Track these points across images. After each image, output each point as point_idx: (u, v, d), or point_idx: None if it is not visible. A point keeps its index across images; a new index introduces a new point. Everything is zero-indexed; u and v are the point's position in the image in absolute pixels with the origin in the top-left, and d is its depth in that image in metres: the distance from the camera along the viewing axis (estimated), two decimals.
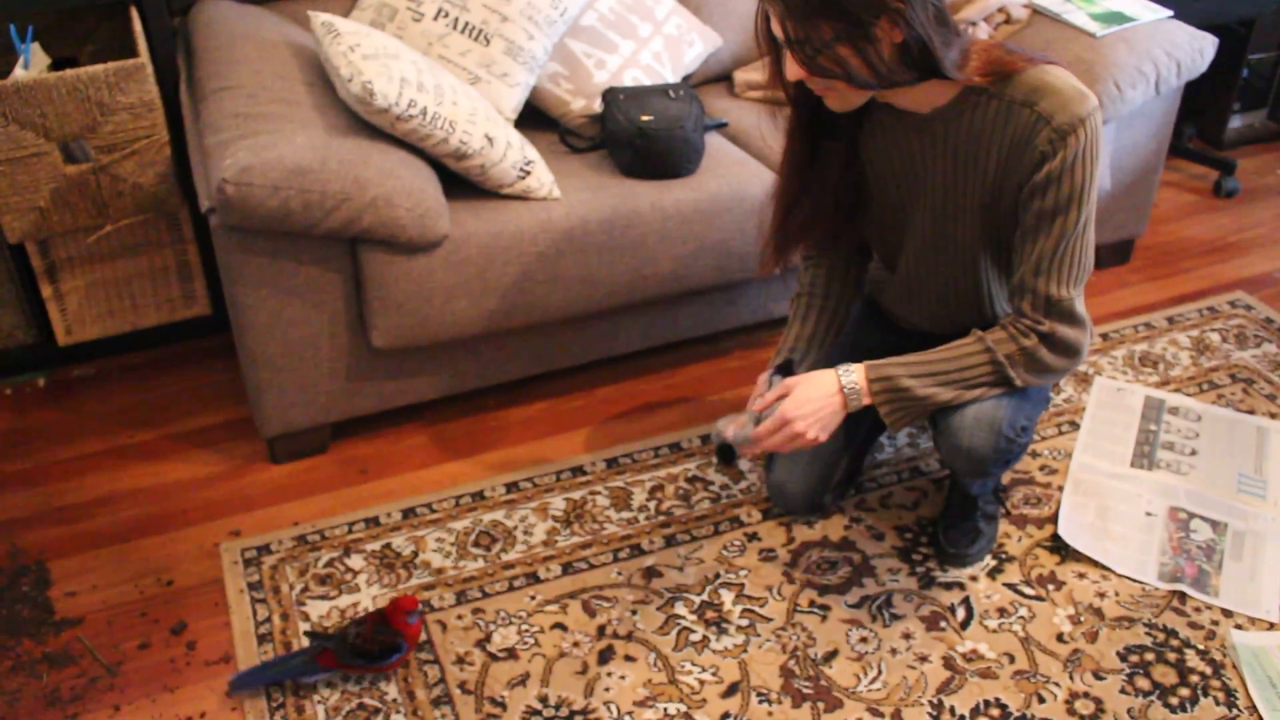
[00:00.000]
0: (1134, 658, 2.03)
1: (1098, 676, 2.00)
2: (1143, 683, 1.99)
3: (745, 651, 2.04)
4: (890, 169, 1.95)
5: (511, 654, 2.02)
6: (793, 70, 1.73)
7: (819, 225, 2.03)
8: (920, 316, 2.12)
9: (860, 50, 1.66)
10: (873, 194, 2.02)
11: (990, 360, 1.87)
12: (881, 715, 1.93)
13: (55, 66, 2.42)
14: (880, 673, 2.00)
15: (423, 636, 2.04)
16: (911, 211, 1.97)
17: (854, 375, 1.88)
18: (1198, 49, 2.75)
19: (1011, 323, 1.88)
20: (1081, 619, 2.10)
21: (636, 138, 2.42)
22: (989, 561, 2.21)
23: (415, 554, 2.22)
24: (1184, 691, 1.98)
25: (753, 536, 2.27)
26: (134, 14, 2.46)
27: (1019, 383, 1.88)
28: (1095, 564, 2.21)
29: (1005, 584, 2.17)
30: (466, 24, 2.48)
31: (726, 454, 2.04)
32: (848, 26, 1.63)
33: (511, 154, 2.31)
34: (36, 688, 1.97)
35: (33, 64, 2.37)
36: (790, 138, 1.96)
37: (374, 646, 1.92)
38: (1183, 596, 2.15)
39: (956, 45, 1.74)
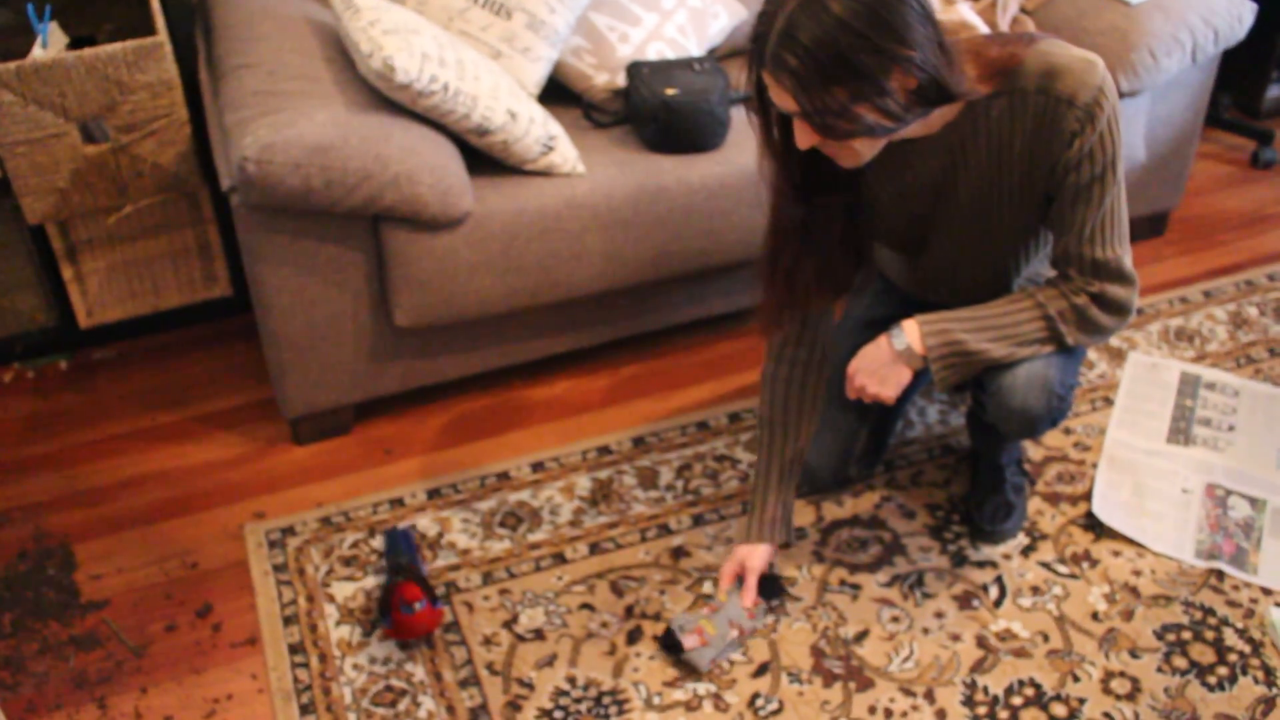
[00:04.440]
0: (1171, 636, 2.00)
1: (1134, 655, 1.97)
2: (1180, 661, 1.96)
3: (775, 631, 2.02)
4: (911, 194, 1.91)
5: (539, 635, 2.01)
6: (806, 139, 1.67)
7: (826, 279, 1.96)
8: (940, 295, 2.09)
9: (878, 105, 1.60)
10: (885, 220, 1.97)
11: (1043, 315, 1.84)
12: (914, 695, 1.91)
13: (73, 45, 2.40)
14: (912, 652, 1.98)
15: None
16: (939, 220, 1.94)
17: (905, 336, 1.85)
18: (1236, 16, 2.69)
19: (1061, 282, 1.85)
20: (1117, 597, 2.07)
21: (661, 111, 2.38)
22: (1022, 539, 2.18)
23: (441, 535, 2.20)
24: (1222, 670, 1.95)
25: None
26: None
27: (1070, 341, 1.85)
28: (1130, 542, 2.18)
29: (1039, 562, 2.14)
30: None
31: (672, 643, 1.98)
32: (862, 86, 1.58)
33: (534, 129, 2.28)
34: (64, 670, 1.97)
35: (51, 43, 2.36)
36: (782, 201, 1.89)
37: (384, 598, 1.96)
38: (1220, 574, 2.11)
39: (957, 63, 1.69)
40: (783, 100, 1.63)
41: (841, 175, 1.85)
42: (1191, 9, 2.66)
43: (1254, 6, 2.74)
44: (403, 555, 2.07)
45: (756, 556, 2.03)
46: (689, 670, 1.95)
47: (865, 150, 1.71)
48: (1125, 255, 1.83)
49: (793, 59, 1.56)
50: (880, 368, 1.87)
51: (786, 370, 2.04)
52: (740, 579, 2.05)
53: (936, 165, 1.85)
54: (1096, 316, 1.84)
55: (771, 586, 2.05)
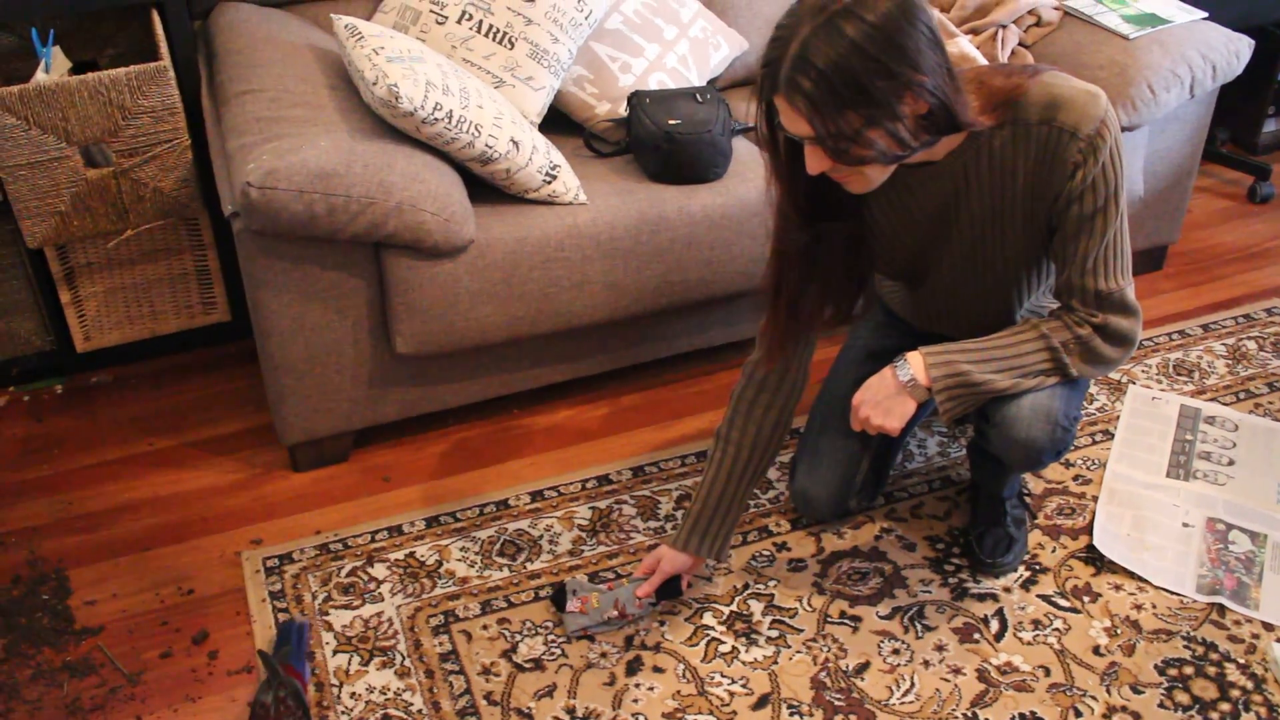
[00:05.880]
0: (1172, 671, 1.99)
1: (1136, 690, 1.96)
2: (1182, 697, 1.95)
3: (775, 663, 2.00)
4: (913, 221, 1.91)
5: (538, 665, 1.99)
6: (818, 164, 1.68)
7: (828, 306, 1.97)
8: (944, 326, 2.10)
9: (889, 130, 1.61)
10: (886, 247, 1.98)
11: (1046, 347, 1.84)
12: None
13: (76, 70, 2.40)
14: (913, 685, 1.97)
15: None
16: (941, 249, 1.94)
17: (910, 367, 1.85)
18: (1233, 51, 2.71)
19: (1065, 313, 1.86)
20: (1118, 631, 2.06)
21: (664, 142, 2.38)
22: (1022, 572, 2.17)
23: (439, 563, 2.18)
24: (1224, 706, 1.94)
25: (782, 546, 2.23)
26: (155, 17, 2.44)
27: (1074, 372, 1.86)
28: (1131, 575, 2.17)
29: (1039, 595, 2.13)
30: (491, 27, 2.45)
31: (560, 599, 2.08)
32: (876, 111, 1.59)
33: (537, 158, 2.28)
34: (57, 697, 1.95)
35: (54, 67, 2.36)
36: (787, 226, 1.88)
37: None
38: (1222, 609, 2.10)
39: (963, 92, 1.70)
40: (795, 125, 1.63)
41: (846, 202, 1.86)
42: (1189, 44, 2.68)
43: (1251, 42, 2.75)
44: (290, 658, 1.95)
45: (670, 560, 2.05)
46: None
47: (875, 176, 1.71)
48: (1128, 286, 1.83)
49: (807, 82, 1.56)
50: (885, 399, 1.87)
51: (753, 392, 2.04)
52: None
53: (939, 194, 1.85)
54: (1100, 348, 1.84)
55: (667, 587, 2.07)
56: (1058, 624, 2.07)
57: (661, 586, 2.05)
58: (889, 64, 1.55)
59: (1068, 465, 2.41)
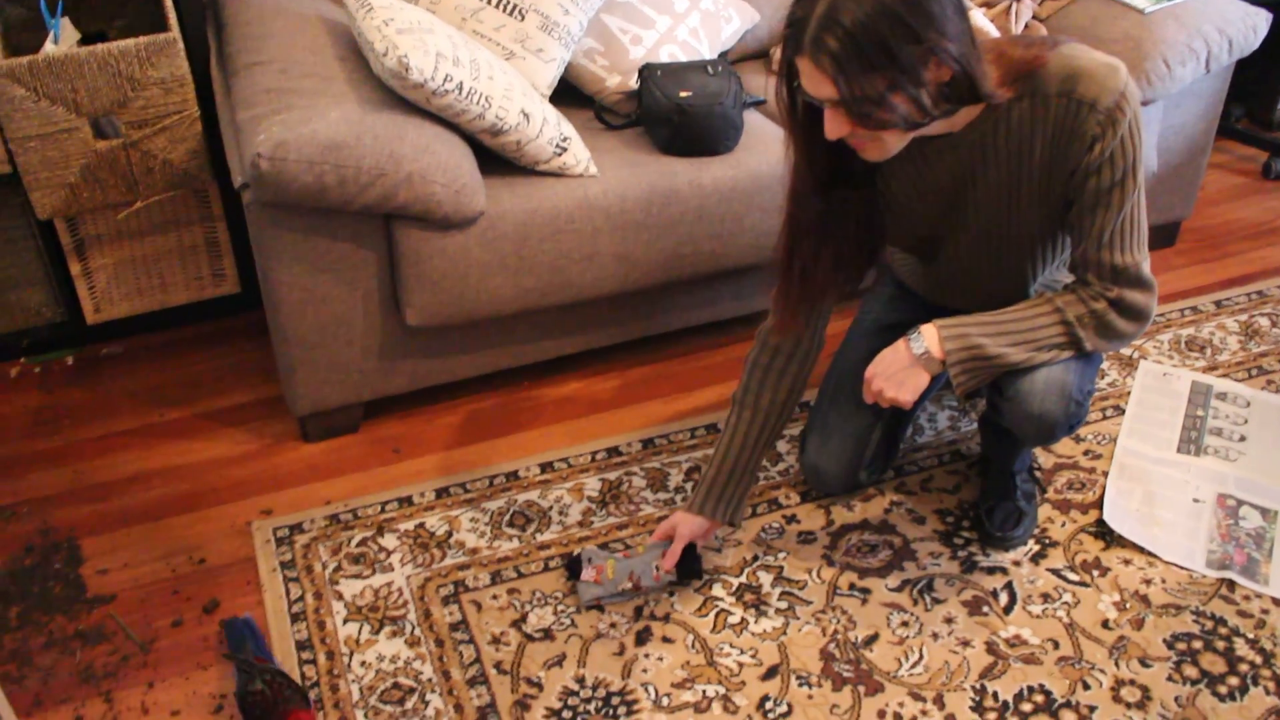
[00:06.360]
0: (1181, 645, 1.99)
1: (1144, 664, 1.96)
2: (1190, 671, 1.95)
3: (784, 634, 2.01)
4: (929, 193, 1.91)
5: (548, 634, 2.00)
6: (838, 128, 1.67)
7: (840, 275, 1.97)
8: (956, 300, 2.09)
9: (912, 96, 1.61)
10: (901, 219, 1.97)
11: (1061, 321, 1.84)
12: (923, 700, 1.90)
13: (85, 41, 2.40)
14: (922, 657, 1.97)
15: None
16: (956, 222, 1.94)
17: (923, 340, 1.84)
18: (1250, 25, 2.69)
19: (1080, 287, 1.85)
20: (1127, 605, 2.06)
21: (675, 114, 2.38)
22: (1032, 546, 2.17)
23: (449, 534, 2.19)
24: (1233, 680, 1.93)
25: (791, 519, 2.23)
26: None
27: (1088, 346, 1.85)
28: (1141, 550, 2.16)
29: (1049, 569, 2.13)
30: None
31: (575, 567, 2.08)
32: (900, 75, 1.58)
33: (547, 130, 2.27)
34: (70, 664, 1.96)
35: (63, 39, 2.35)
36: (801, 193, 1.88)
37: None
38: (1231, 584, 2.10)
39: (983, 62, 1.70)
40: (818, 86, 1.62)
41: (861, 170, 1.85)
42: (1206, 18, 2.66)
43: (1269, 16, 2.73)
44: (252, 652, 1.91)
45: (687, 525, 2.05)
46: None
47: (893, 143, 1.71)
48: (1144, 261, 1.83)
49: (834, 42, 1.56)
50: (898, 372, 1.86)
51: (768, 357, 2.04)
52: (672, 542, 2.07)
53: (956, 166, 1.84)
54: (1115, 322, 1.83)
55: (690, 567, 2.06)
56: (1067, 598, 2.07)
57: (684, 565, 2.05)
58: (916, 27, 1.55)
59: (1078, 440, 2.41)
